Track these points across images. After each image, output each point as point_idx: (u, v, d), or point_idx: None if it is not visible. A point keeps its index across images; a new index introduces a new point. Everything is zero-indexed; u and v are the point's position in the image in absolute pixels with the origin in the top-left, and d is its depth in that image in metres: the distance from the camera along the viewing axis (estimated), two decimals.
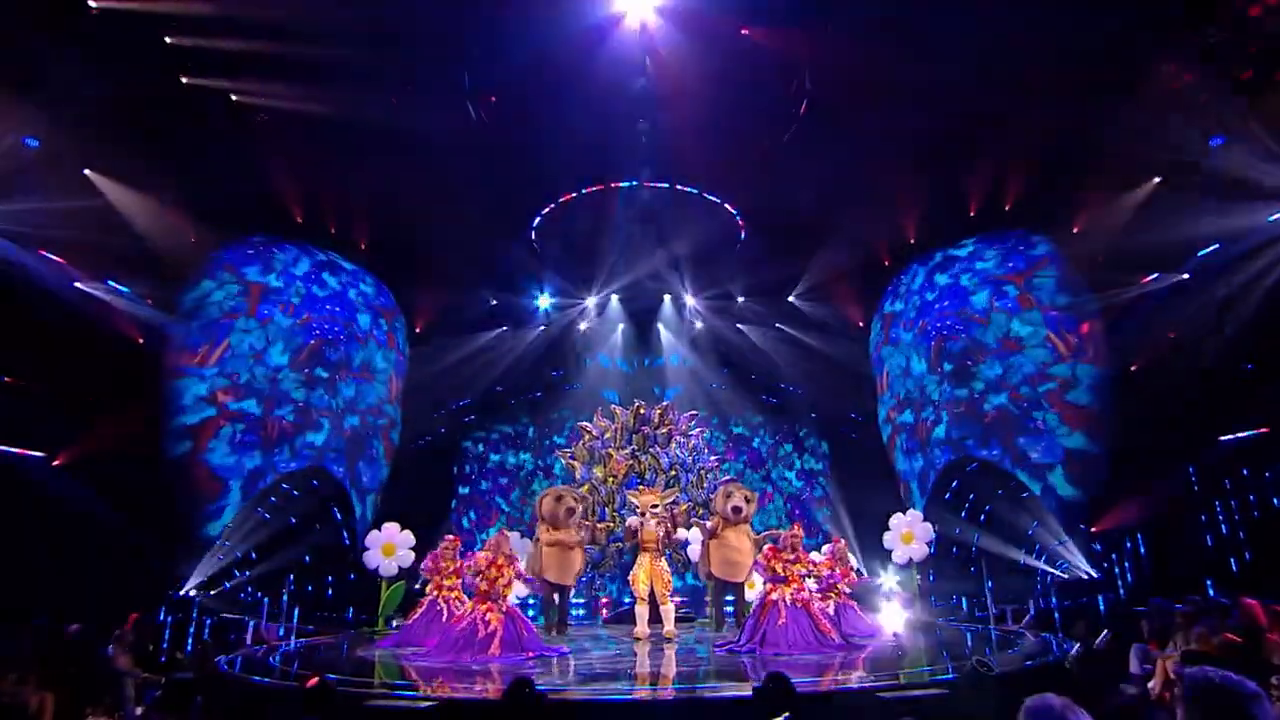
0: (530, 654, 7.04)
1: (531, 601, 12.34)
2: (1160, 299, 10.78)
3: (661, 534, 9.22)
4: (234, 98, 10.01)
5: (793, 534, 7.88)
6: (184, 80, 9.57)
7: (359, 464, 13.77)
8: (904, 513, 11.80)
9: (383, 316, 14.57)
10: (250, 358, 12.22)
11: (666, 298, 16.79)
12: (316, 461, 12.91)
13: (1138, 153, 9.97)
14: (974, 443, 13.02)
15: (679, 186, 13.91)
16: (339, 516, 13.15)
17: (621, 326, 17.04)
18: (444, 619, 8.28)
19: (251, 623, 9.33)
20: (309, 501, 12.49)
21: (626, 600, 11.86)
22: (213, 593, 10.89)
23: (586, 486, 11.67)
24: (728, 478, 12.66)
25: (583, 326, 16.92)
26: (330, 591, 12.54)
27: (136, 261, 10.38)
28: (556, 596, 9.86)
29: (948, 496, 13.24)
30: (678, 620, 9.74)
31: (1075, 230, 12.07)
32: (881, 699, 4.99)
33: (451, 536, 9.11)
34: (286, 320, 12.81)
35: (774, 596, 7.48)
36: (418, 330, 15.56)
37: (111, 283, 10.65)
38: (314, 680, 4.39)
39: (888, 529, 11.55)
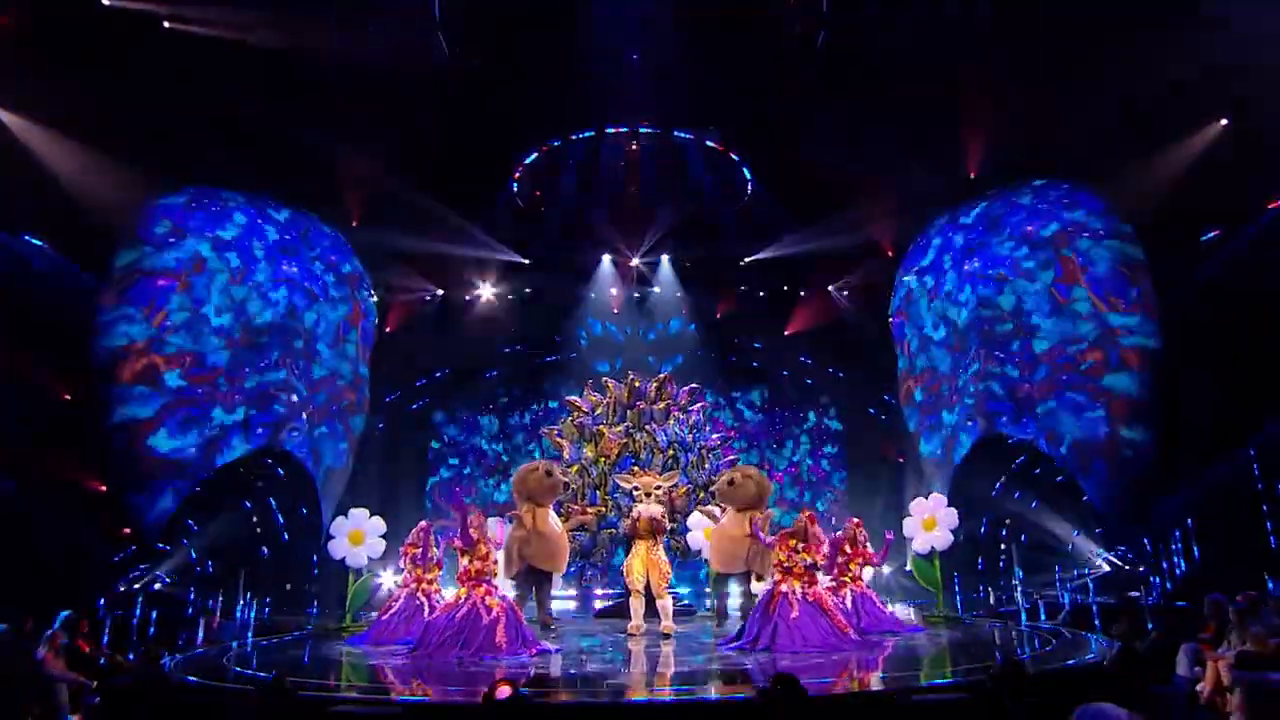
0: (534, 650, 7.01)
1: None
2: (1224, 258, 10.66)
3: (658, 518, 9.24)
4: (166, 24, 9.71)
5: (801, 520, 7.86)
6: (106, 2, 9.25)
7: (322, 443, 13.68)
8: (926, 497, 11.72)
9: (347, 278, 14.42)
10: (194, 325, 12.08)
11: (664, 259, 16.67)
12: (273, 442, 12.82)
13: (1202, 89, 9.78)
14: (1006, 420, 12.96)
15: (678, 133, 13.68)
16: (300, 502, 13.14)
17: (614, 290, 16.93)
18: (427, 613, 8.25)
19: (203, 620, 9.33)
20: (266, 486, 12.47)
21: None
22: (158, 588, 10.83)
23: (576, 467, 11.68)
24: (731, 457, 12.67)
25: (571, 291, 16.84)
26: (291, 585, 12.53)
27: (57, 214, 10.08)
28: (534, 587, 9.83)
29: (975, 480, 13.21)
30: (677, 614, 9.84)
31: (1128, 180, 11.85)
32: (901, 703, 5.04)
33: (424, 523, 9.05)
34: (236, 282, 12.61)
35: (784, 589, 7.46)
36: (387, 292, 15.50)
37: (28, 238, 10.42)
38: (272, 683, 4.47)
39: (907, 515, 11.53)
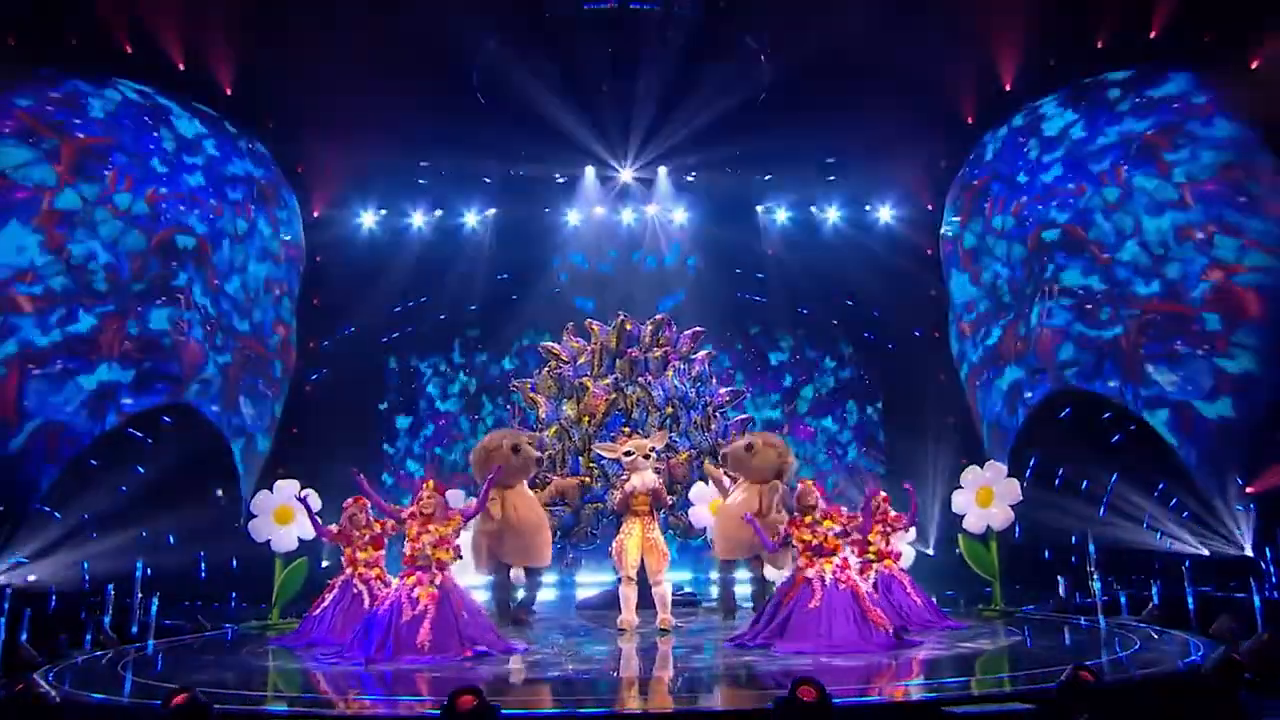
0: (469, 651, 6.96)
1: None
2: None
3: (658, 489, 9.34)
4: None
5: (807, 491, 7.87)
6: None
7: (240, 399, 13.64)
8: (981, 465, 11.73)
9: (265, 195, 14.21)
10: (68, 251, 11.81)
11: (661, 171, 16.52)
12: (178, 397, 12.75)
13: None
14: (1084, 370, 12.96)
15: (677, 7, 13.22)
16: (212, 473, 13.10)
17: (600, 210, 16.83)
18: (365, 604, 8.28)
19: (90, 621, 9.31)
20: (170, 452, 12.36)
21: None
22: (33, 579, 10.75)
23: (554, 429, 11.68)
24: (743, 416, 12.74)
25: (547, 209, 16.73)
26: (205, 573, 12.55)
27: None
28: (516, 576, 9.99)
29: (1043, 445, 13.22)
30: (677, 605, 9.86)
31: (1252, 67, 11.50)
32: (948, 714, 5.00)
33: (351, 500, 9.01)
34: (122, 195, 12.40)
35: (809, 574, 7.47)
36: (317, 214, 15.28)
37: None
38: (181, 697, 4.30)
39: (958, 487, 11.52)
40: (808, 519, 7.68)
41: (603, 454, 10.16)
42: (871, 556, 8.99)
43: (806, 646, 7.05)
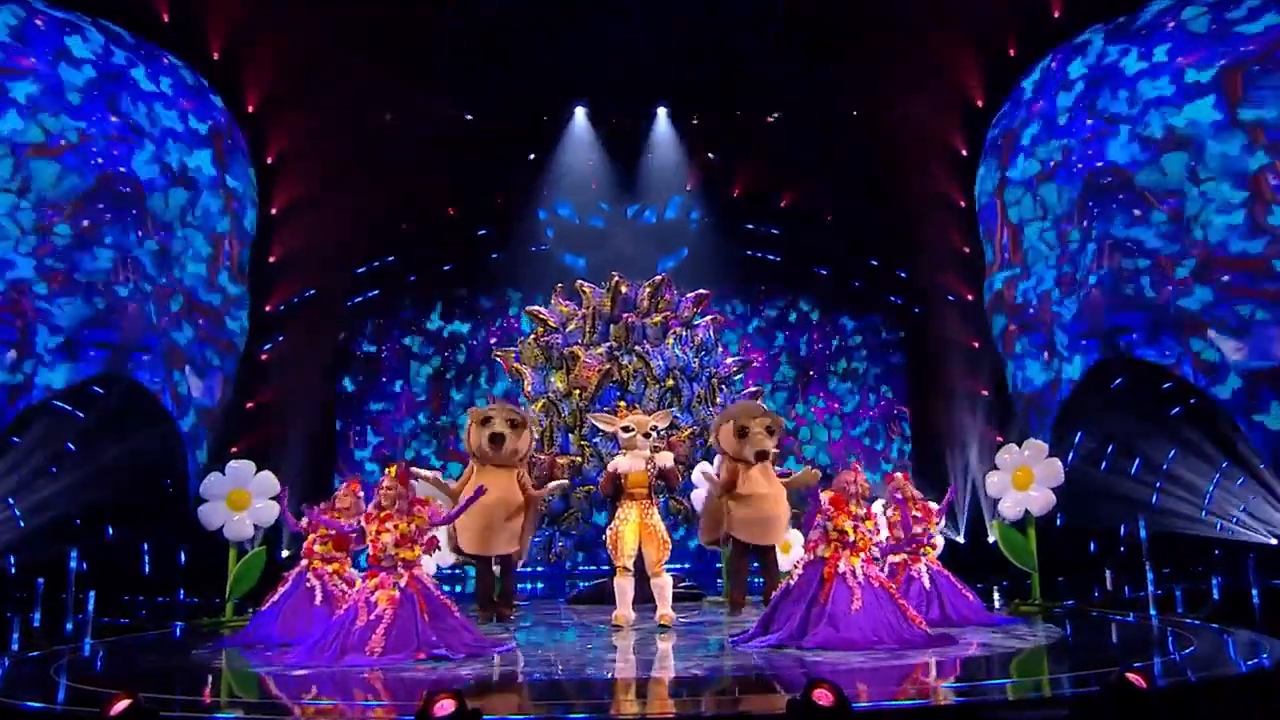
0: (421, 654, 6.95)
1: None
2: None
3: (654, 474, 9.23)
4: None
5: (854, 479, 7.78)
6: None
7: (184, 369, 13.59)
8: (1019, 444, 11.72)
9: (210, 135, 14.10)
10: None
11: (661, 112, 16.51)
12: (114, 367, 12.70)
13: None
14: (1137, 336, 12.94)
15: None
16: (157, 452, 13.05)
17: (591, 159, 16.77)
18: (316, 601, 8.30)
19: (17, 618, 9.23)
20: (107, 429, 12.32)
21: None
22: None
23: (540, 403, 11.67)
24: (753, 388, 12.71)
25: (531, 155, 16.67)
26: (148, 565, 12.53)
27: None
28: (497, 567, 10.00)
29: (1089, 420, 13.24)
30: (679, 598, 9.89)
31: None
32: None
33: (351, 481, 9.02)
34: (47, 134, 12.28)
35: (840, 569, 7.48)
36: (271, 160, 15.18)
37: None
38: (122, 703, 4.24)
39: (993, 468, 11.51)
40: (854, 509, 7.65)
41: (599, 425, 10.10)
42: (927, 551, 9.07)
43: (843, 645, 7.05)
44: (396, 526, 7.24)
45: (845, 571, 7.43)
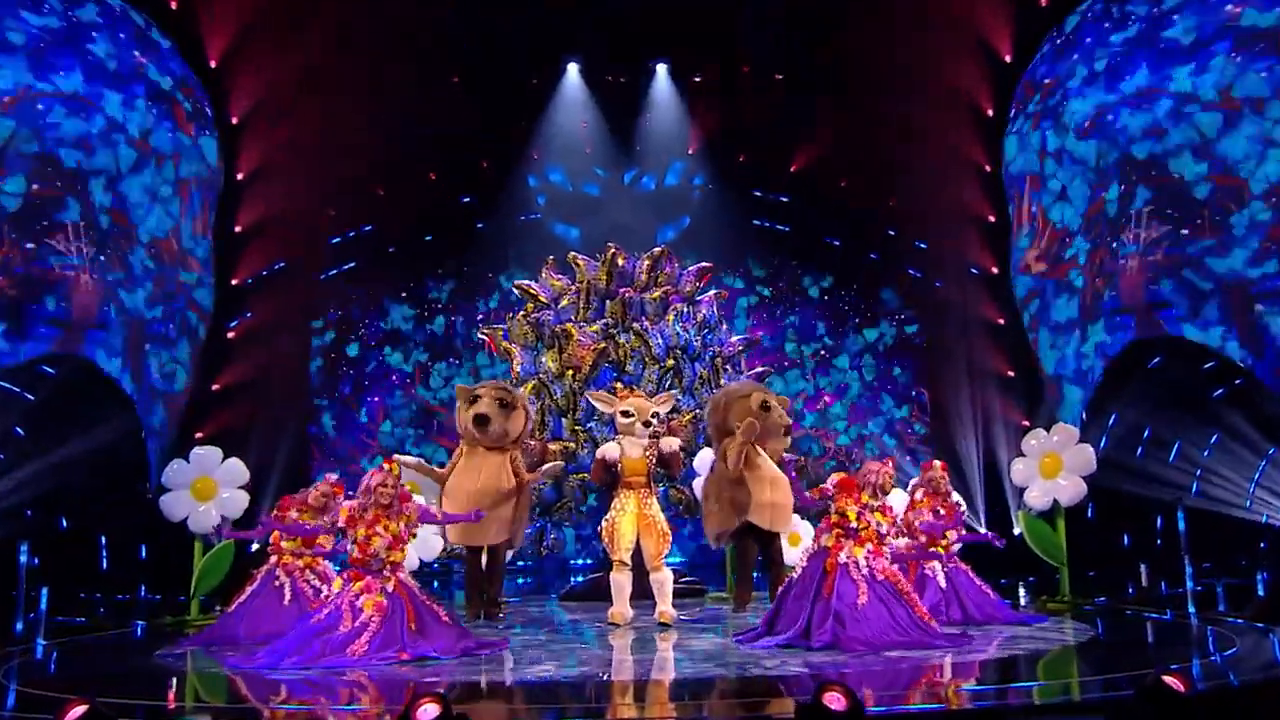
0: (405, 654, 6.97)
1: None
2: None
3: (654, 461, 9.22)
4: None
5: (881, 470, 7.79)
6: None
7: (146, 349, 13.62)
8: (1047, 429, 11.66)
9: (170, 95, 14.05)
10: None
11: (661, 69, 16.72)
12: (65, 345, 12.68)
13: None
14: (1178, 313, 12.94)
15: None
16: (115, 438, 12.95)
17: (587, 120, 16.82)
18: (285, 600, 8.33)
19: None
20: (59, 412, 12.29)
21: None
22: None
23: (531, 385, 11.66)
24: (760, 369, 12.70)
25: (520, 117, 16.77)
26: (106, 560, 12.52)
27: None
28: (484, 559, 10.01)
29: (1124, 403, 13.24)
30: (680, 594, 9.89)
31: None
32: None
33: (333, 476, 8.97)
34: None
35: (841, 559, 7.45)
36: (236, 120, 15.11)
37: None
38: (78, 708, 4.30)
39: (1019, 454, 11.49)
40: (864, 497, 7.62)
41: (596, 405, 10.06)
42: (941, 548, 9.00)
43: (862, 645, 7.03)
44: (388, 529, 7.21)
45: (848, 563, 7.40)
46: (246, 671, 6.97)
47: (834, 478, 7.88)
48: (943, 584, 8.79)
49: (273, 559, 8.65)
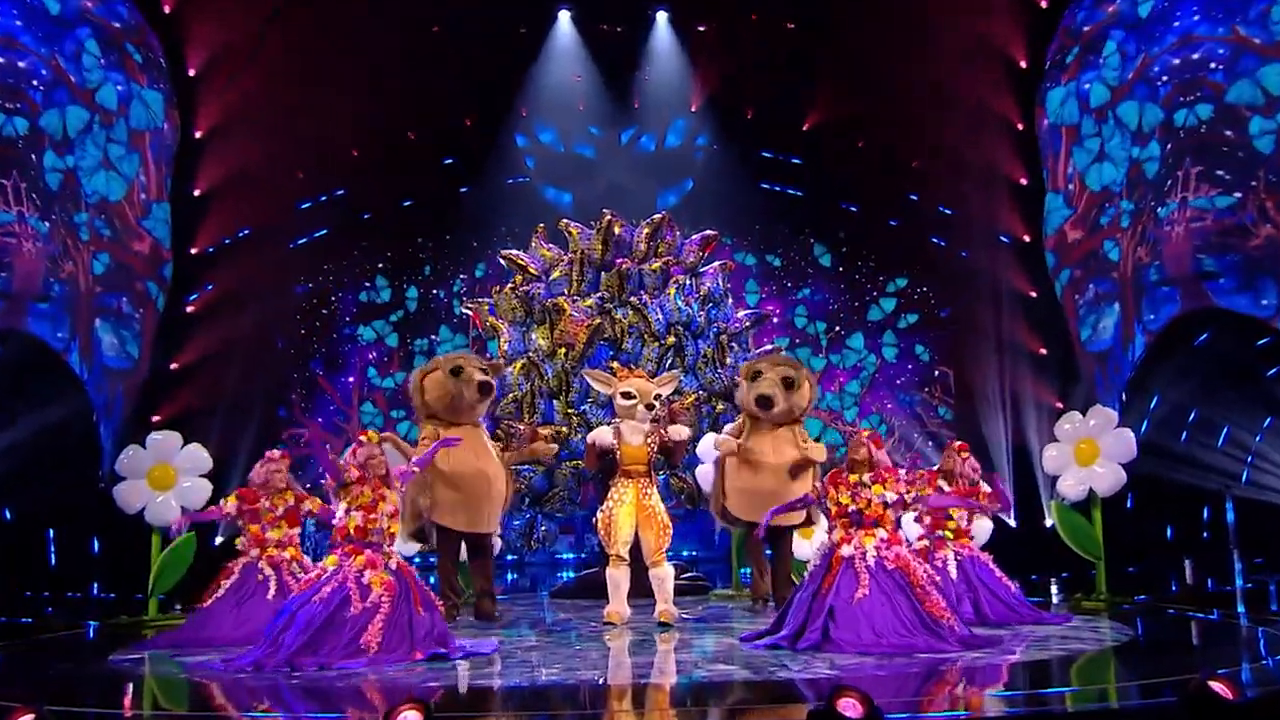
0: (419, 653, 7.02)
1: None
2: None
3: (655, 447, 9.20)
4: None
5: (857, 440, 7.75)
6: None
7: (96, 324, 13.59)
8: (1083, 411, 11.64)
9: (119, 42, 14.02)
10: None
11: (661, 17, 16.83)
12: (9, 321, 12.71)
13: None
14: (1227, 282, 12.95)
15: None
16: (64, 421, 12.98)
17: (580, 73, 16.93)
18: (270, 594, 8.31)
19: None
20: (4, 395, 12.24)
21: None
22: None
23: (520, 364, 11.68)
24: (769, 346, 12.74)
25: (508, 69, 16.70)
26: (55, 555, 12.58)
27: None
28: (465, 550, 9.98)
29: (1168, 383, 13.29)
30: (681, 591, 9.87)
31: None
32: None
33: (278, 452, 8.96)
34: None
35: (845, 552, 7.44)
36: (194, 72, 15.05)
37: None
38: (25, 716, 4.36)
39: (1052, 439, 11.50)
40: (853, 477, 7.61)
41: (594, 385, 10.02)
42: (948, 534, 8.95)
43: (847, 644, 7.02)
44: (391, 497, 7.28)
45: (854, 555, 7.38)
46: (229, 675, 6.86)
47: (827, 476, 7.91)
48: (954, 574, 8.69)
49: (254, 551, 8.63)
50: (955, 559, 8.80)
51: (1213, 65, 13.12)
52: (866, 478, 7.58)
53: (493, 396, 9.90)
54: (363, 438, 7.54)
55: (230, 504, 8.82)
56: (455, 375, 9.59)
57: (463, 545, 9.96)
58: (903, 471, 8.02)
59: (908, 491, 7.71)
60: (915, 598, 7.28)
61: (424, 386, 9.71)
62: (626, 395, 9.28)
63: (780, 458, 9.60)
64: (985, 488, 9.30)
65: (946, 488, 8.95)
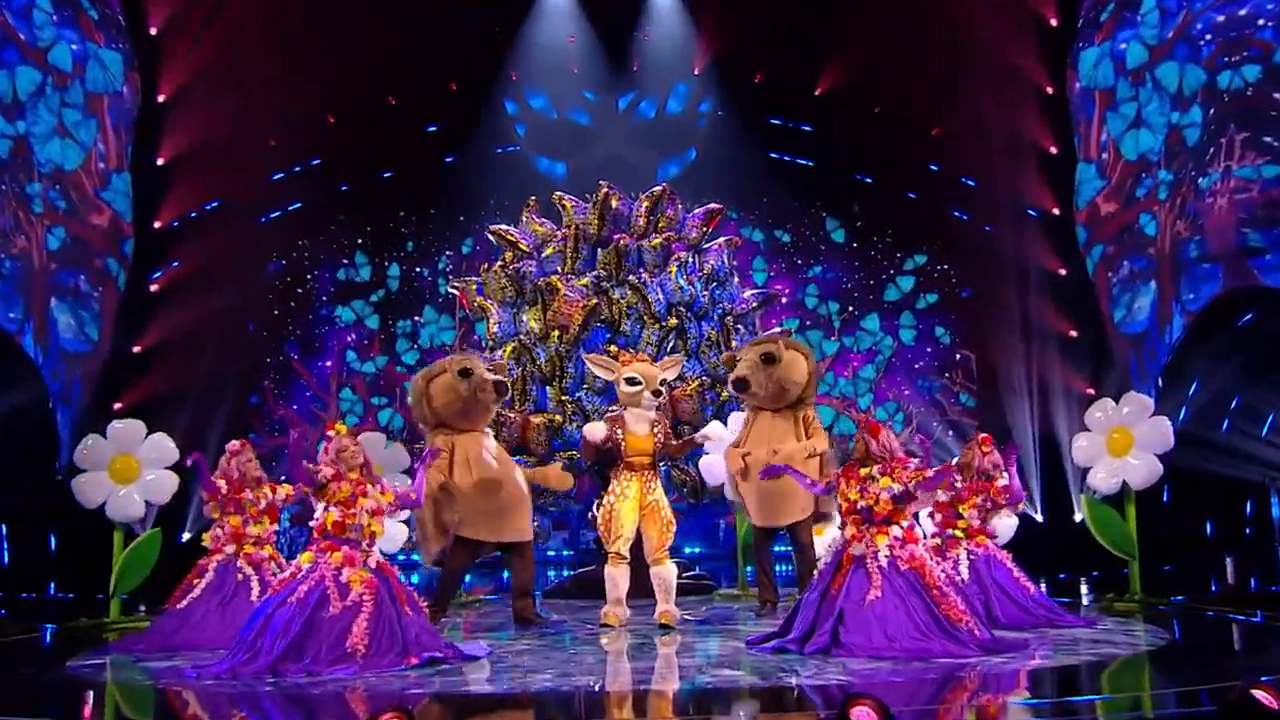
0: (413, 658, 7.03)
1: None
2: None
3: (659, 438, 9.19)
4: None
5: (862, 429, 7.73)
6: None
7: (50, 303, 13.64)
8: (1116, 399, 11.54)
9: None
10: None
11: None
12: None
13: None
14: (1275, 259, 13.02)
15: None
16: (17, 409, 12.94)
17: (574, 34, 16.98)
18: (253, 595, 8.32)
19: None
20: None
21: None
22: None
23: (510, 347, 11.68)
24: (776, 328, 12.62)
25: (497, 30, 16.78)
26: (8, 554, 12.67)
27: None
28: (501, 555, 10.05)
29: (1208, 368, 13.34)
30: (683, 591, 9.86)
31: None
32: None
33: (237, 443, 8.91)
34: None
35: (855, 551, 7.44)
36: (156, 31, 15.03)
37: None
38: None
39: (1082, 429, 11.45)
40: (863, 471, 7.58)
41: (594, 369, 10.00)
42: (959, 533, 8.95)
43: (864, 651, 7.01)
44: (374, 493, 7.29)
45: (865, 554, 7.38)
46: (204, 684, 6.82)
47: (834, 472, 7.90)
48: (965, 575, 8.69)
49: (229, 549, 8.64)
50: (969, 558, 8.79)
51: (1260, 22, 13.10)
52: (875, 471, 7.58)
53: (507, 396, 9.86)
54: (330, 432, 7.50)
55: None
56: (465, 377, 9.43)
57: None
58: (914, 461, 8.02)
59: (910, 481, 7.72)
60: (931, 600, 7.25)
61: (430, 393, 9.55)
62: (631, 381, 9.20)
63: (781, 448, 9.52)
64: (1000, 483, 9.31)
65: (960, 484, 9.01)
